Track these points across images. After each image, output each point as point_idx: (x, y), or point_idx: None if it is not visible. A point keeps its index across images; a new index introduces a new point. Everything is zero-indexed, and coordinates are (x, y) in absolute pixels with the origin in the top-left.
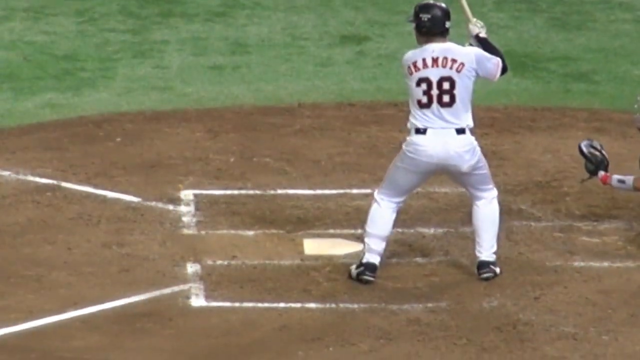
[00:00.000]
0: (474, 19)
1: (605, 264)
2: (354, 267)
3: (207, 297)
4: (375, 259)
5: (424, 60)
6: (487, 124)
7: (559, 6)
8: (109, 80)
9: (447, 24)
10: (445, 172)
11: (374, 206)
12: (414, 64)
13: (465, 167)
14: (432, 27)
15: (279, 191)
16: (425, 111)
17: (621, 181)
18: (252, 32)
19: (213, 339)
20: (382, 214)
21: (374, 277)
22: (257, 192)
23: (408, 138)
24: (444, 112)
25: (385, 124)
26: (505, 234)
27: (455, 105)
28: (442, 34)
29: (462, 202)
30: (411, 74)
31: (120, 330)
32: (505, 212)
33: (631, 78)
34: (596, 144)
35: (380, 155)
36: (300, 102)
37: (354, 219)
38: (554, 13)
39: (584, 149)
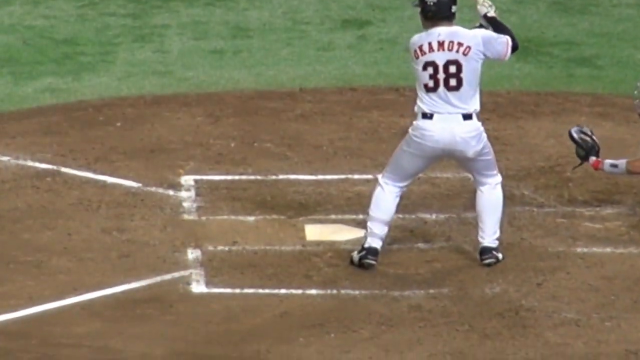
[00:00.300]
0: (481, 2)
1: (608, 249)
2: (355, 252)
3: (208, 283)
4: (377, 244)
5: (429, 44)
6: (489, 109)
7: None
8: (109, 64)
9: (454, 8)
10: (450, 157)
11: (378, 190)
12: (420, 48)
13: (471, 152)
14: (437, 12)
15: (280, 176)
16: (432, 95)
17: (614, 165)
18: (253, 16)
19: (213, 325)
20: (386, 198)
21: (375, 261)
22: (258, 177)
23: (414, 122)
24: (451, 96)
25: (386, 109)
26: (507, 220)
27: (462, 89)
28: (448, 18)
29: (464, 188)
30: (417, 57)
31: (120, 316)
32: (508, 197)
33: (634, 62)
34: (586, 129)
35: (382, 141)
36: (301, 86)
37: (355, 205)
38: None
39: (574, 135)
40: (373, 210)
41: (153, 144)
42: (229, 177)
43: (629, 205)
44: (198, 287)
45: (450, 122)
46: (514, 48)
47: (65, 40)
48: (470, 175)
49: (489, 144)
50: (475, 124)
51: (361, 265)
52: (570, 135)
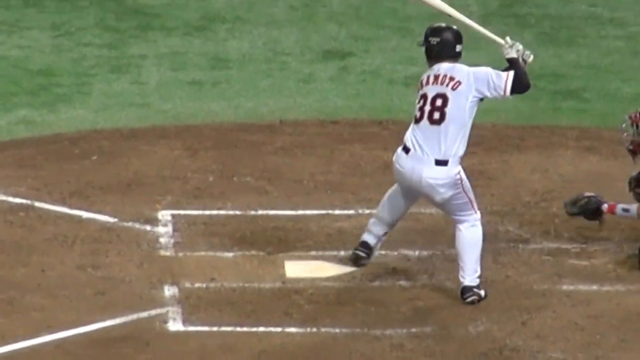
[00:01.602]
0: (505, 40)
1: (595, 287)
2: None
3: (185, 321)
4: (370, 239)
5: (428, 77)
6: (474, 143)
7: (548, 21)
8: (85, 96)
9: (458, 48)
10: (422, 194)
11: (393, 188)
12: (421, 82)
13: (437, 198)
14: (441, 51)
15: (260, 211)
16: (416, 127)
17: (625, 210)
18: (233, 46)
19: None
20: (394, 198)
21: (365, 254)
22: (237, 212)
23: (398, 150)
24: (432, 130)
25: (369, 142)
26: (492, 256)
27: (443, 124)
28: (452, 57)
29: (448, 224)
30: (417, 92)
31: (95, 355)
32: (493, 233)
33: (622, 96)
34: (572, 197)
35: (364, 175)
36: (281, 119)
37: (336, 241)
38: (542, 28)
39: (573, 210)
40: (379, 208)
41: (130, 178)
42: (207, 212)
43: (615, 242)
44: (175, 325)
45: (421, 164)
46: (520, 86)
47: (40, 71)
48: None
49: (465, 189)
50: (449, 171)
51: (353, 257)
52: (572, 213)
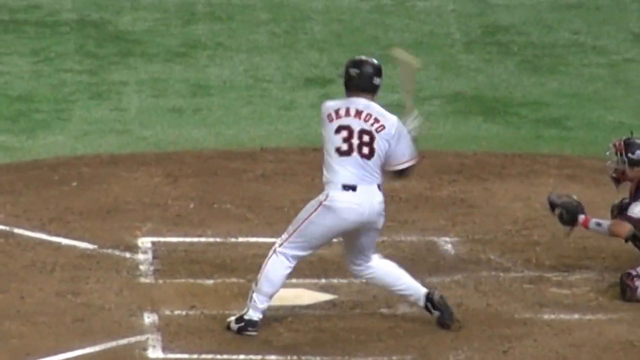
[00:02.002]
0: (413, 115)
1: (576, 316)
2: (233, 319)
3: (165, 349)
4: (258, 317)
5: (347, 109)
6: (455, 170)
7: (530, 49)
8: (65, 122)
9: (377, 81)
10: (357, 230)
11: (273, 260)
12: (336, 112)
13: (380, 224)
14: (359, 84)
15: (240, 239)
16: (346, 162)
17: (599, 224)
18: (214, 73)
19: None
20: (281, 273)
21: (256, 332)
22: (218, 239)
23: (331, 193)
24: (365, 163)
25: None
26: (473, 285)
27: (373, 160)
28: (369, 91)
29: (429, 252)
30: (331, 121)
31: None
32: (474, 262)
33: (604, 124)
34: (562, 194)
35: None
36: (262, 146)
37: (317, 269)
38: (525, 56)
39: (556, 200)
40: (262, 283)
41: (109, 204)
42: (188, 239)
43: (597, 271)
44: (154, 353)
45: (370, 192)
46: (407, 174)
47: (19, 97)
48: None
49: None
50: (382, 195)
51: (240, 334)
52: (552, 202)
